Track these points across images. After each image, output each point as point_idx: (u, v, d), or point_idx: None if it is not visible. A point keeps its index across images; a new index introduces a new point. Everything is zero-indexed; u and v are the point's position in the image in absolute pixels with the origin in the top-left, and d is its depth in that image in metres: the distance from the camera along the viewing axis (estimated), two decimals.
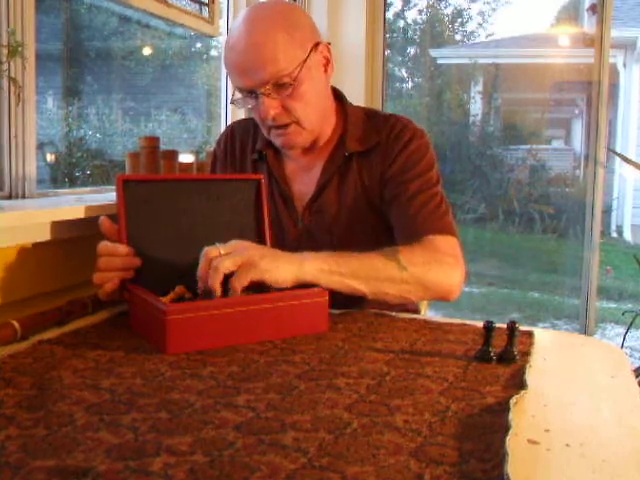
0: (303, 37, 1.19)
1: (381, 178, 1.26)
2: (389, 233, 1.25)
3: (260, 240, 1.17)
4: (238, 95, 1.22)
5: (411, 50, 6.48)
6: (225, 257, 0.98)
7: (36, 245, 1.14)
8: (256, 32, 1.16)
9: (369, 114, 1.33)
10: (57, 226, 1.16)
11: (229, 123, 2.21)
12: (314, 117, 1.23)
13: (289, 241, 1.27)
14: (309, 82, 1.19)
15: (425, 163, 1.26)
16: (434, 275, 1.12)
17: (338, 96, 1.34)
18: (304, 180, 1.31)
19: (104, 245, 1.05)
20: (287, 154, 1.32)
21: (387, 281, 1.09)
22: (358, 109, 1.35)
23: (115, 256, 1.04)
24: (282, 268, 1.01)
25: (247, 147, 1.38)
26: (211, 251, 0.99)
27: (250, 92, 1.19)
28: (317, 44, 1.21)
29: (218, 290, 0.96)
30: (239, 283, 0.97)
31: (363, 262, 1.08)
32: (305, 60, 1.18)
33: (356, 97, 1.37)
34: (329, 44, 1.25)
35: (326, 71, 1.25)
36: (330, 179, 1.27)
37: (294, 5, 1.29)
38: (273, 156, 1.32)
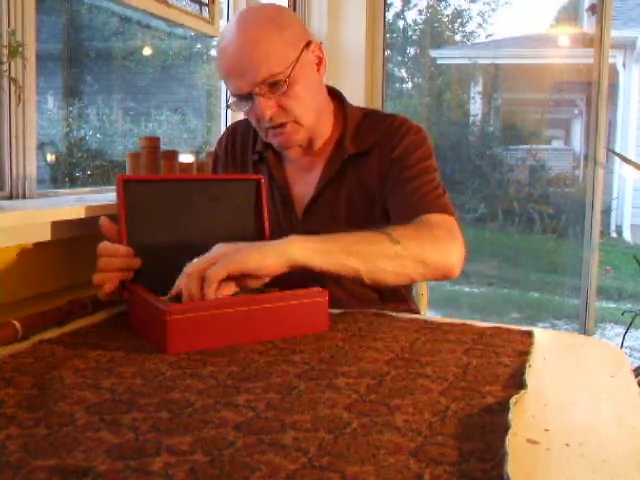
0: (293, 36, 1.20)
1: (380, 173, 1.26)
2: None
3: (260, 240, 1.17)
4: (234, 99, 1.23)
5: (411, 50, 6.48)
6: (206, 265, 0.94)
7: (36, 245, 1.14)
8: (246, 35, 1.17)
9: (367, 114, 1.33)
10: (57, 226, 1.16)
11: (230, 123, 2.21)
12: (311, 115, 1.24)
13: None
14: (303, 80, 1.20)
15: (422, 152, 1.26)
16: (430, 250, 1.08)
17: (337, 96, 1.34)
18: (304, 181, 1.31)
19: (104, 245, 1.05)
20: (287, 155, 1.32)
21: (381, 256, 1.03)
22: (357, 110, 1.34)
23: (115, 257, 1.04)
24: (263, 254, 0.96)
25: (248, 147, 1.38)
26: (192, 266, 0.95)
27: (245, 95, 1.19)
28: (309, 43, 1.22)
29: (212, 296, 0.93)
30: (214, 275, 0.92)
31: (353, 238, 1.04)
32: (297, 59, 1.18)
33: (356, 97, 1.37)
34: (321, 43, 1.26)
35: (319, 70, 1.25)
36: (329, 181, 1.27)
37: (282, 7, 1.32)
38: (273, 158, 1.32)
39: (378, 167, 1.27)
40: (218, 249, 0.97)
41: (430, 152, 1.28)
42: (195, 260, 0.97)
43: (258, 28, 1.17)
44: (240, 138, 1.40)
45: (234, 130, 1.42)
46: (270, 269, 0.96)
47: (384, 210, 1.26)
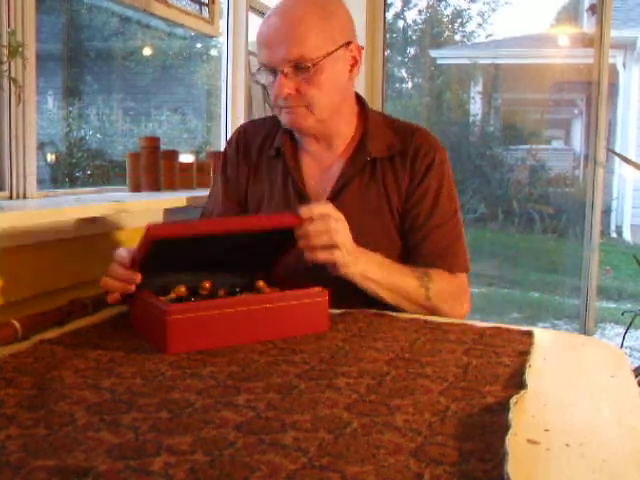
0: (336, 30, 1.21)
1: (406, 193, 1.28)
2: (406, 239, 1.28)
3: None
4: (259, 67, 1.24)
5: (411, 50, 6.49)
6: (333, 227, 1.08)
7: (36, 245, 1.14)
8: (291, 12, 1.19)
9: (388, 120, 1.35)
10: (57, 226, 1.16)
11: (230, 123, 2.21)
12: (326, 107, 1.24)
13: None
14: (330, 73, 1.21)
15: (447, 189, 1.29)
16: (447, 308, 1.24)
17: (360, 101, 1.36)
18: (322, 178, 1.31)
19: (117, 251, 1.02)
20: (303, 145, 1.32)
21: (410, 302, 1.21)
22: (377, 114, 1.37)
23: (120, 265, 1.01)
24: (350, 269, 1.12)
25: (264, 147, 1.37)
26: (332, 214, 1.09)
27: (271, 69, 1.21)
28: (349, 42, 1.24)
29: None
30: (317, 256, 1.08)
31: (401, 280, 1.20)
32: (332, 52, 1.20)
33: None
34: (362, 47, 1.27)
35: (351, 71, 1.26)
36: (350, 180, 1.28)
37: None
38: (290, 153, 1.32)
39: (404, 183, 1.28)
40: (346, 233, 1.11)
41: (454, 186, 1.31)
42: (332, 213, 1.09)
43: (305, 10, 1.19)
44: (253, 138, 1.39)
45: (245, 131, 1.43)
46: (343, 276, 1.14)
47: (398, 220, 1.28)
